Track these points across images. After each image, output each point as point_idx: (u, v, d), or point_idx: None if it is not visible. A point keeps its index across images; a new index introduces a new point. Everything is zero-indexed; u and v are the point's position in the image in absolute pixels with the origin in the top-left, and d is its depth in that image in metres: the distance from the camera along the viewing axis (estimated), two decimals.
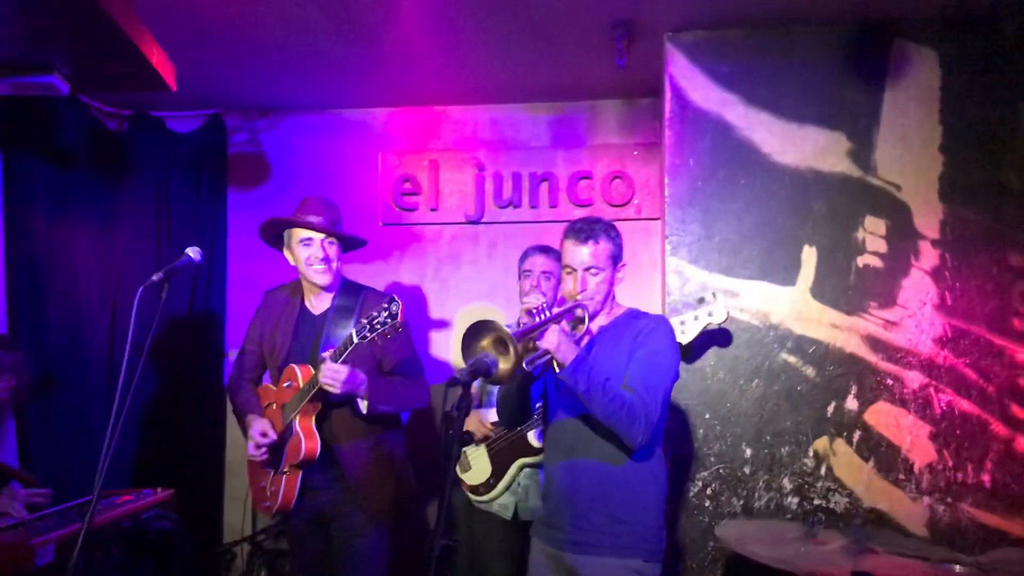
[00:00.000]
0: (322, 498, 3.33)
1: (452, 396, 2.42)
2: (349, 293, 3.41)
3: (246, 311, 4.67)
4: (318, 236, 3.31)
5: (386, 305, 2.96)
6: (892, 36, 3.68)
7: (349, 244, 3.43)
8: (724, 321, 3.58)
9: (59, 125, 4.30)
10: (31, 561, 2.85)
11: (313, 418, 3.26)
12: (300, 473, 3.27)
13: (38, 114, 4.17)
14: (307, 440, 3.22)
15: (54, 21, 2.76)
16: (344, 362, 3.08)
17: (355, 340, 3.00)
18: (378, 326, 2.95)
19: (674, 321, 3.55)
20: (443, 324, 4.73)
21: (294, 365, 3.32)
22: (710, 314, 3.57)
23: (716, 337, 3.71)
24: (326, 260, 3.32)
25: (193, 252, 2.88)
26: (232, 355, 4.72)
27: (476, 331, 2.47)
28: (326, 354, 3.12)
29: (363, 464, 3.30)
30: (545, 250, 3.78)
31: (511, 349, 2.40)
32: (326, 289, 3.39)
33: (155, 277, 2.73)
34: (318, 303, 3.43)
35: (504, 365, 2.42)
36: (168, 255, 4.54)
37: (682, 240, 3.76)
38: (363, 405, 3.20)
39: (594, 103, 4.65)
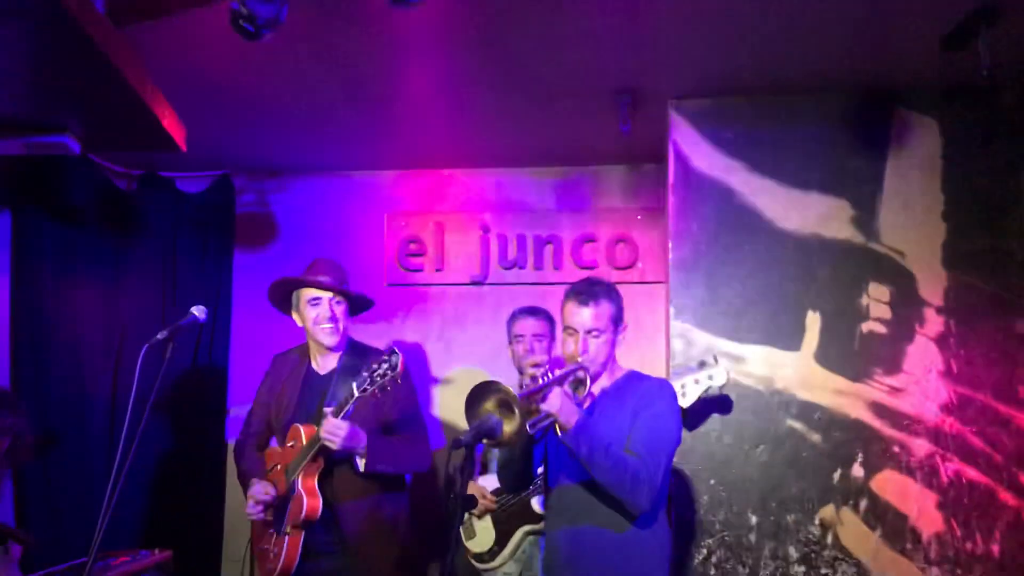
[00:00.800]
0: (324, 563, 3.28)
1: (456, 459, 2.40)
2: (356, 354, 3.41)
3: (249, 370, 4.66)
4: (326, 295, 3.34)
5: (386, 357, 2.97)
6: (893, 105, 3.71)
7: (356, 305, 3.45)
8: (725, 385, 3.53)
9: (69, 184, 4.33)
10: None
11: (316, 477, 3.23)
12: (302, 534, 3.23)
13: (49, 173, 4.20)
14: (309, 499, 3.19)
15: (69, 82, 2.79)
16: (346, 418, 3.07)
17: (356, 393, 3.01)
18: (378, 378, 2.96)
19: (674, 384, 3.50)
20: (447, 385, 4.69)
21: (298, 424, 3.31)
22: (711, 377, 3.52)
23: (717, 402, 3.67)
24: (333, 319, 3.34)
25: (198, 311, 2.88)
26: (234, 412, 4.72)
27: (480, 393, 2.45)
28: (328, 409, 3.12)
29: (363, 525, 3.27)
30: (534, 312, 3.78)
31: (515, 411, 2.38)
32: (333, 350, 3.40)
33: (160, 335, 2.72)
34: (324, 363, 3.44)
35: (507, 427, 2.40)
36: (173, 313, 4.53)
37: (686, 304, 3.75)
38: (361, 463, 3.18)
39: (598, 168, 4.68)
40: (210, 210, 4.76)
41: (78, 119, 3.20)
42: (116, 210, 4.59)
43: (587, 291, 2.74)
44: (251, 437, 3.59)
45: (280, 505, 3.31)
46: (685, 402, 3.51)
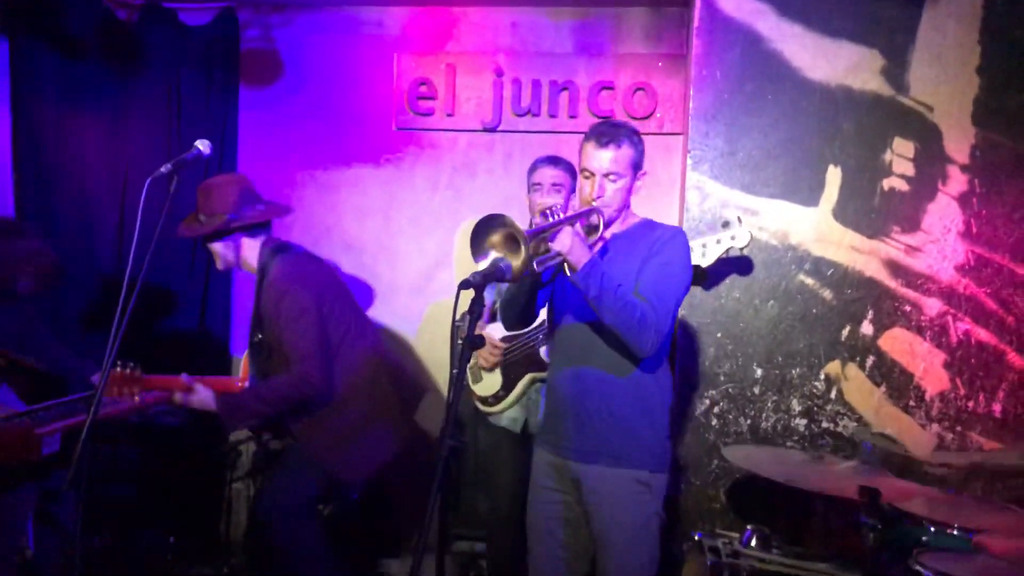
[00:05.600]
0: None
1: (463, 301, 2.38)
2: (262, 271, 3.41)
3: None
4: None
5: None
6: None
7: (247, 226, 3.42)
8: (746, 246, 3.50)
9: (67, 11, 4.19)
10: (38, 450, 2.88)
11: None
12: None
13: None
14: None
15: None
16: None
17: None
18: None
19: (695, 244, 3.50)
20: (456, 235, 4.67)
21: None
22: (732, 238, 3.49)
23: (736, 263, 3.67)
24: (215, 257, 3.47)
25: (203, 145, 2.85)
26: None
27: (487, 225, 2.39)
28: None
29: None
30: (555, 161, 3.67)
31: (522, 247, 2.33)
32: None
33: (163, 169, 2.69)
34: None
35: (514, 263, 2.35)
36: (178, 151, 4.42)
37: (704, 155, 3.70)
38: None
39: (619, 10, 4.48)
40: (214, 44, 4.60)
41: None
42: (117, 42, 4.44)
43: (608, 133, 2.68)
44: None
45: None
46: (705, 261, 3.51)
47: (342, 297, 3.46)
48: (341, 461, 3.34)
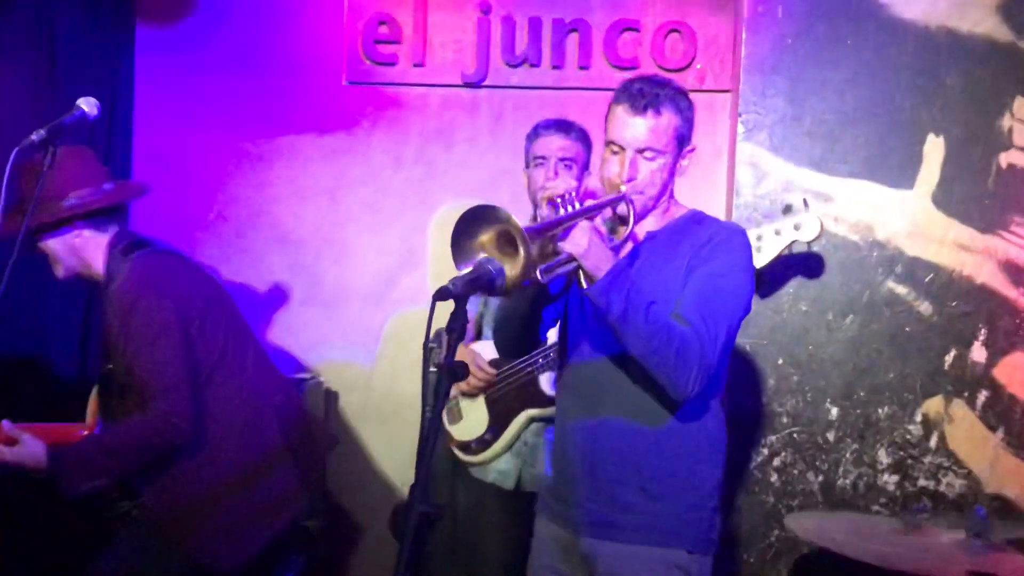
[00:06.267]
0: None
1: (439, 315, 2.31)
2: (109, 277, 3.27)
3: (156, 186, 4.53)
4: None
5: None
6: None
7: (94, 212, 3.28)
8: (816, 240, 3.51)
9: None
10: None
11: None
12: None
13: None
14: None
15: None
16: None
17: None
18: None
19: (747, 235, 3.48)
20: (424, 226, 4.62)
21: None
22: (796, 227, 3.49)
23: (802, 262, 3.68)
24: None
25: (87, 104, 2.80)
26: None
27: (473, 220, 2.27)
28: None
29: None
30: (564, 127, 3.62)
31: (520, 249, 2.22)
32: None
33: (35, 136, 2.65)
34: None
35: (510, 271, 2.25)
36: (53, 111, 4.36)
37: (761, 120, 3.73)
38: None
39: None
40: None
41: None
42: None
43: (646, 94, 2.57)
44: None
45: None
46: (761, 259, 3.49)
47: (216, 307, 3.32)
48: (209, 539, 3.19)
